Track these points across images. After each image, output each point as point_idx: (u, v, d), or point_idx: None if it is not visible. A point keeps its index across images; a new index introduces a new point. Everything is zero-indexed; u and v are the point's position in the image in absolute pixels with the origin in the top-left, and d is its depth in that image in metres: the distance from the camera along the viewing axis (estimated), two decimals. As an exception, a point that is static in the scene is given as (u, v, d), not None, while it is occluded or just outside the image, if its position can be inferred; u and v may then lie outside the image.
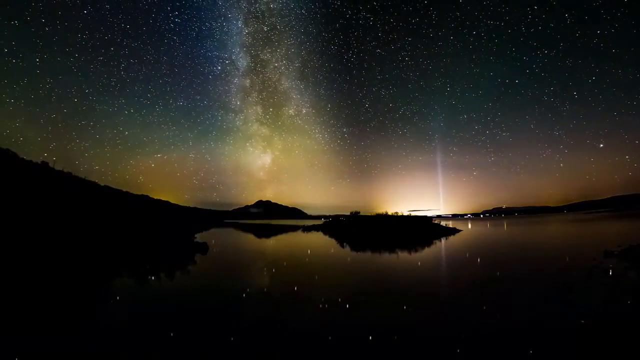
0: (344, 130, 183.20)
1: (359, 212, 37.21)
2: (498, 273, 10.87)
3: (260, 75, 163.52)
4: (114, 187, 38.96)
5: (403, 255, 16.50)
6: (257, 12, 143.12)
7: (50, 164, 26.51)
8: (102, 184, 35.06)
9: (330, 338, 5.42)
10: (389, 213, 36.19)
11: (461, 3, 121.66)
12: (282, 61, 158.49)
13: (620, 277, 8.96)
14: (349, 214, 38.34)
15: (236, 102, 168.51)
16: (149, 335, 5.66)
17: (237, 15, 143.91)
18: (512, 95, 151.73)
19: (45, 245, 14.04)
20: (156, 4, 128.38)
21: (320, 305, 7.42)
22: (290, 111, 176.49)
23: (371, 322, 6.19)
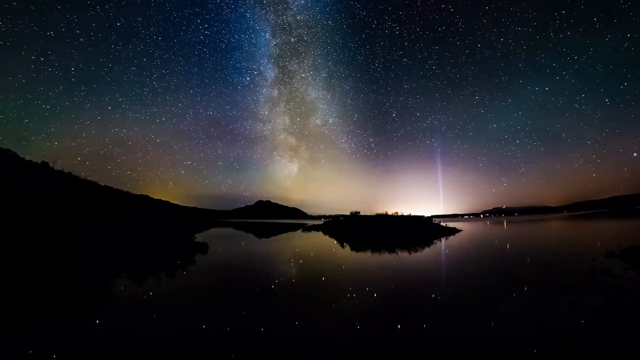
0: (371, 139, 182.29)
1: (359, 212, 37.25)
2: (498, 273, 10.87)
3: (288, 86, 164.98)
4: (113, 187, 38.99)
5: (403, 255, 16.50)
6: (284, 24, 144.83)
7: (51, 164, 26.52)
8: (103, 184, 35.09)
9: (329, 338, 5.43)
10: (389, 213, 36.22)
11: (487, 10, 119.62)
12: (309, 72, 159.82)
13: (620, 277, 8.96)
14: (349, 214, 38.38)
15: (264, 112, 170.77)
16: (148, 336, 5.66)
17: (265, 28, 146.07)
18: (543, 103, 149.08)
19: (45, 245, 14.05)
20: (187, 17, 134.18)
21: (321, 305, 7.43)
22: (317, 121, 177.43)
23: (369, 323, 6.20)
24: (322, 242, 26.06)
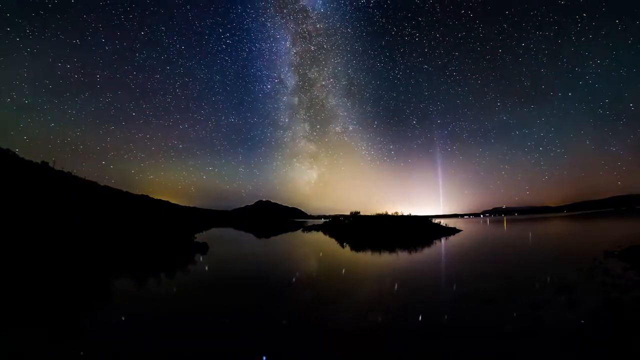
0: (391, 147, 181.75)
1: (359, 212, 37.24)
2: (498, 273, 10.87)
3: (308, 93, 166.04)
4: (114, 187, 38.99)
5: (403, 255, 16.50)
6: (304, 33, 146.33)
7: (50, 164, 26.51)
8: (102, 184, 35.08)
9: (329, 338, 5.42)
10: (389, 213, 36.21)
11: (508, 15, 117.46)
12: (329, 79, 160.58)
13: (620, 277, 8.95)
14: (349, 214, 38.36)
15: (284, 119, 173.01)
16: (148, 336, 5.66)
17: (285, 36, 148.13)
18: (566, 109, 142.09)
19: (45, 245, 14.04)
20: (209, 26, 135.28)
21: (321, 305, 7.42)
22: (337, 128, 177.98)
23: (369, 323, 6.19)
24: (322, 242, 26.06)
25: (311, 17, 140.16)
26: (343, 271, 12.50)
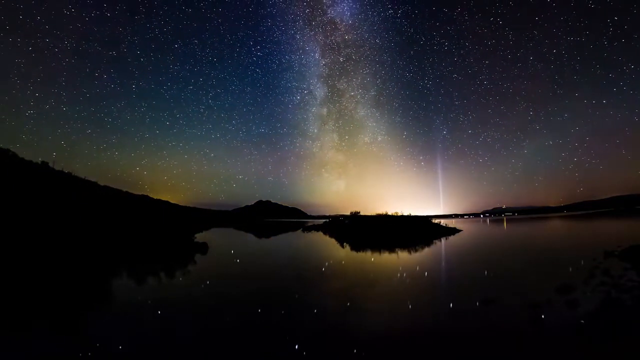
0: (420, 157, 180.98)
1: (359, 212, 37.22)
2: (498, 272, 10.87)
3: (337, 104, 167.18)
4: (114, 187, 38.98)
5: (403, 255, 16.49)
6: (333, 44, 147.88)
7: (50, 164, 26.52)
8: (102, 184, 35.08)
9: (328, 337, 5.42)
10: (389, 213, 36.20)
11: (537, 21, 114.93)
12: (357, 90, 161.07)
13: (620, 277, 8.95)
14: (349, 214, 38.35)
15: (313, 130, 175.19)
16: (148, 336, 5.66)
17: (315, 48, 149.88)
18: (600, 117, 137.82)
19: (45, 245, 14.04)
20: (240, 39, 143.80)
21: (321, 305, 7.42)
22: (365, 139, 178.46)
23: (367, 324, 6.19)
24: (322, 242, 26.05)
25: (340, 29, 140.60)
26: (343, 271, 12.50)
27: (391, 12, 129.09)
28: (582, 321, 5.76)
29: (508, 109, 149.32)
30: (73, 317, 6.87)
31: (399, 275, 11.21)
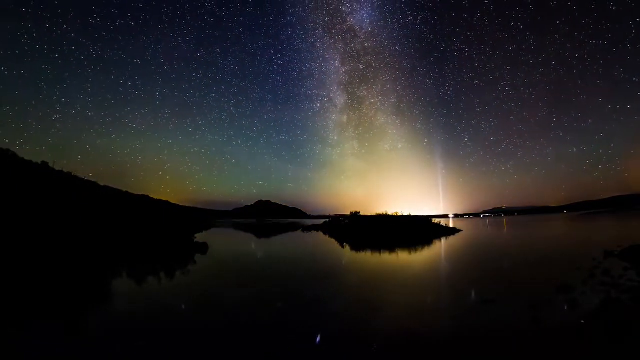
0: (441, 165, 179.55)
1: (359, 212, 37.19)
2: (498, 272, 10.87)
3: (357, 112, 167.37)
4: (114, 187, 38.96)
5: (403, 255, 16.49)
6: (353, 52, 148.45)
7: (50, 164, 26.51)
8: (102, 184, 35.06)
9: (326, 337, 5.41)
10: (389, 213, 36.17)
11: (559, 24, 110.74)
12: (378, 97, 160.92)
13: (620, 277, 8.95)
14: (349, 214, 38.33)
15: (333, 137, 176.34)
16: (148, 336, 5.65)
17: (335, 56, 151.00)
18: (625, 123, 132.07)
19: (45, 245, 14.04)
20: (261, 47, 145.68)
21: (321, 305, 7.42)
22: (385, 146, 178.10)
23: (365, 326, 6.19)
24: (322, 242, 26.05)
25: (359, 37, 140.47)
26: (342, 271, 12.50)
27: (411, 19, 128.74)
28: (582, 321, 5.76)
29: (530, 115, 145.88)
30: (73, 317, 6.86)
31: (398, 275, 11.21)
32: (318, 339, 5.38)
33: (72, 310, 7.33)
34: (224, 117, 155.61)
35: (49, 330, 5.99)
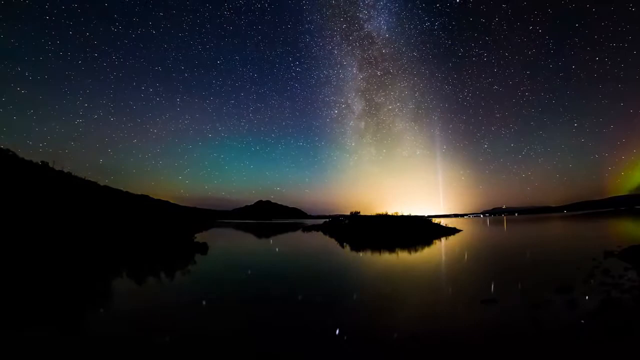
0: (461, 172, 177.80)
1: (359, 212, 37.21)
2: (497, 272, 10.86)
3: (375, 118, 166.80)
4: (113, 187, 38.95)
5: (403, 255, 16.49)
6: (371, 59, 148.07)
7: (50, 164, 26.49)
8: (102, 184, 35.05)
9: (326, 337, 5.41)
10: (389, 213, 36.18)
11: (578, 28, 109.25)
12: (395, 103, 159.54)
13: (620, 277, 8.95)
14: (349, 214, 38.34)
15: (351, 143, 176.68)
16: (148, 336, 5.65)
17: (352, 63, 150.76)
18: None
19: (45, 245, 14.04)
20: (279, 55, 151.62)
21: (321, 305, 7.41)
22: (403, 152, 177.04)
23: (366, 327, 6.19)
24: (321, 242, 26.05)
25: (377, 43, 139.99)
26: (342, 271, 12.50)
27: (428, 25, 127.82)
28: (582, 321, 5.76)
29: (551, 120, 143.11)
30: (73, 316, 6.86)
31: (397, 275, 11.21)
32: (318, 339, 5.37)
33: (72, 311, 7.32)
34: (242, 124, 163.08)
35: (48, 331, 5.99)
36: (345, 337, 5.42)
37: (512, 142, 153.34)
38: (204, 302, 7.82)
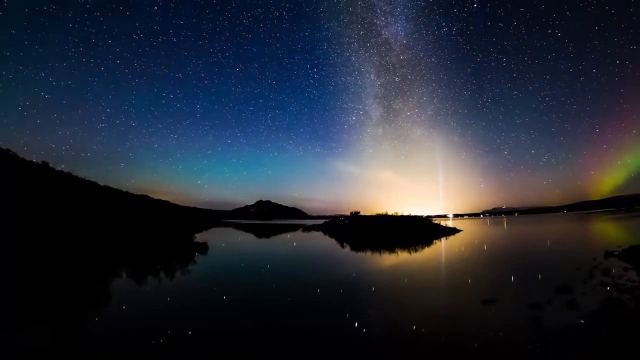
0: (480, 179, 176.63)
1: (359, 212, 37.20)
2: (498, 272, 10.86)
3: (393, 124, 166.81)
4: (113, 187, 38.94)
5: (403, 255, 16.47)
6: (388, 65, 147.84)
7: (51, 164, 26.48)
8: (102, 184, 35.05)
9: (325, 337, 5.42)
10: (389, 213, 36.16)
11: (597, 30, 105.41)
12: (414, 110, 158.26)
13: (620, 277, 8.95)
14: (349, 214, 38.33)
15: (369, 150, 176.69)
16: (148, 336, 5.65)
17: (370, 69, 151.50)
18: None
19: (45, 245, 14.03)
20: (297, 62, 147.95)
21: (321, 305, 7.42)
22: (422, 159, 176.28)
23: (366, 327, 6.18)
24: (321, 242, 26.05)
25: (394, 49, 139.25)
26: (342, 271, 12.49)
27: (446, 30, 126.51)
28: (582, 321, 5.76)
29: (572, 127, 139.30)
30: (73, 316, 6.86)
31: (397, 275, 11.20)
32: (317, 340, 5.38)
33: (72, 310, 7.33)
34: (261, 130, 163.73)
35: (48, 331, 5.99)
36: (345, 337, 5.43)
37: (533, 148, 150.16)
38: (204, 302, 7.82)
